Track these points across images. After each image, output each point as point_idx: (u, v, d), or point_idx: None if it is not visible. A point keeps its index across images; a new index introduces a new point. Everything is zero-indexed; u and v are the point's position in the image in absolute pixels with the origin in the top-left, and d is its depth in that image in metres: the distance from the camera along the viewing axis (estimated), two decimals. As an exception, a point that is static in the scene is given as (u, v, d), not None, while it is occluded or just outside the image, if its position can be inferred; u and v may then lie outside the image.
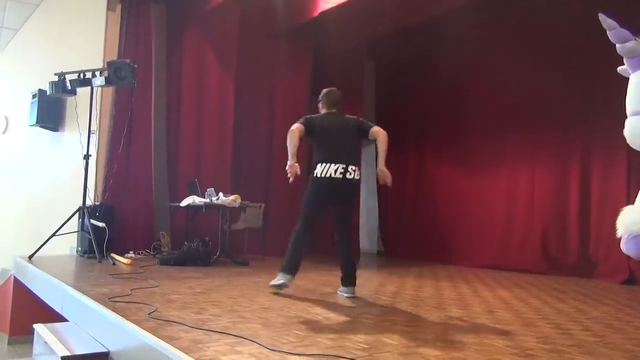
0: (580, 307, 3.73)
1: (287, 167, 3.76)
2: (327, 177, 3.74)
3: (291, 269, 3.76)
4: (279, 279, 3.73)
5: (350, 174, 3.77)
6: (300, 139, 3.81)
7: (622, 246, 1.95)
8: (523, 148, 6.56)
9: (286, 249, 3.85)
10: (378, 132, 3.90)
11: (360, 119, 4.08)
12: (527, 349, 2.36)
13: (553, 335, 2.70)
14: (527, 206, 6.47)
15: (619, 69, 1.92)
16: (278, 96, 7.56)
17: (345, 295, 3.82)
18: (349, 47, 7.59)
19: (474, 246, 6.91)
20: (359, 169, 3.91)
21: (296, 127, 3.78)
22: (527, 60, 6.49)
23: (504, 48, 6.78)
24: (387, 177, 3.89)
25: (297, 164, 3.75)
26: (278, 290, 3.74)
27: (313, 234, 4.03)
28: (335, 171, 3.74)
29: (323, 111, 4.04)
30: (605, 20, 1.75)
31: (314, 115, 4.01)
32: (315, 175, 3.80)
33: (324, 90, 4.09)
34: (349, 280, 3.87)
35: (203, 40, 6.81)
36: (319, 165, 3.79)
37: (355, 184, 3.89)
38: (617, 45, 1.82)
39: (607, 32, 1.80)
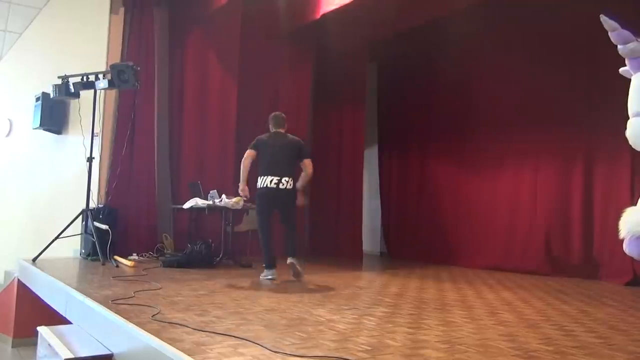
0: (584, 308, 3.72)
1: (239, 190, 4.76)
2: (265, 187, 4.58)
3: (272, 264, 4.65)
4: (269, 274, 4.60)
5: (283, 184, 4.57)
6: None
7: (625, 247, 1.94)
8: (526, 149, 6.54)
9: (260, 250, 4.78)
10: (306, 166, 4.79)
11: (303, 144, 4.92)
12: (530, 350, 2.35)
13: (556, 336, 2.69)
14: (530, 207, 6.45)
15: (620, 70, 1.92)
16: (281, 98, 7.56)
17: (290, 260, 4.60)
18: (351, 48, 7.59)
19: (477, 247, 6.90)
20: (293, 180, 4.67)
21: (248, 153, 4.70)
22: (529, 61, 6.48)
23: (506, 48, 6.76)
24: (299, 200, 4.78)
25: (247, 188, 4.72)
26: (271, 281, 4.51)
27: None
28: (271, 182, 4.56)
29: (272, 130, 4.88)
30: (607, 22, 1.75)
31: (262, 136, 4.84)
32: (257, 186, 4.66)
33: (271, 115, 5.00)
34: (292, 250, 4.68)
35: (205, 42, 6.83)
36: (259, 177, 4.64)
37: (288, 192, 4.63)
38: (618, 47, 1.82)
39: (609, 33, 1.80)
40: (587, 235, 5.89)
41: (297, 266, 4.60)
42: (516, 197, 6.62)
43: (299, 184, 4.73)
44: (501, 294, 4.37)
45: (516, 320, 3.10)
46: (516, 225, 6.57)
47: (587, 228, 5.89)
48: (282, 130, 4.89)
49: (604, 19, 1.73)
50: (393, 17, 6.53)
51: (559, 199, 6.17)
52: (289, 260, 4.61)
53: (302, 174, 4.77)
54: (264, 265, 4.69)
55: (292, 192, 4.67)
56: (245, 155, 4.70)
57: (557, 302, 3.96)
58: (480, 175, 7.09)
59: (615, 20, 1.78)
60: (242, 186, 4.70)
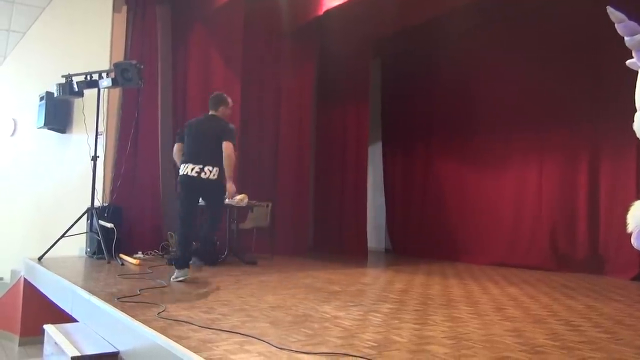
0: (590, 303, 3.71)
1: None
2: (184, 175, 4.21)
3: (186, 263, 4.16)
4: (179, 275, 4.08)
5: (205, 173, 4.17)
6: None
7: (633, 241, 1.92)
8: (531, 144, 6.52)
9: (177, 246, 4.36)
10: (225, 148, 4.25)
11: (227, 128, 4.39)
12: (536, 345, 2.34)
13: (563, 332, 2.68)
14: (535, 202, 6.43)
15: (628, 62, 1.90)
16: (283, 95, 7.56)
17: (193, 263, 4.25)
18: (354, 45, 7.57)
19: (483, 243, 6.88)
20: (217, 169, 4.21)
21: (175, 147, 4.54)
22: (534, 57, 6.45)
23: (510, 45, 6.73)
24: (230, 193, 4.34)
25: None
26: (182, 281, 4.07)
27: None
28: (192, 170, 4.18)
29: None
30: (614, 13, 1.73)
31: (186, 123, 4.60)
32: (178, 174, 4.32)
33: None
34: (200, 254, 4.37)
35: (208, 40, 6.82)
36: (181, 165, 4.30)
37: (210, 182, 4.20)
38: (625, 38, 1.80)
39: (616, 25, 1.78)
40: (592, 230, 5.87)
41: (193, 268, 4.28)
42: (521, 192, 6.60)
43: (225, 171, 4.27)
44: (507, 289, 4.36)
45: (522, 316, 3.10)
46: (521, 221, 6.55)
47: (593, 223, 5.87)
48: (214, 113, 4.52)
49: (610, 10, 1.72)
50: (396, 14, 6.51)
51: (564, 194, 6.15)
52: (197, 264, 4.33)
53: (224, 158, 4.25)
54: (176, 266, 4.15)
55: (215, 183, 4.23)
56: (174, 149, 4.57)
57: (563, 298, 3.95)
58: (485, 170, 7.07)
59: (622, 12, 1.76)
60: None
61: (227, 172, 4.26)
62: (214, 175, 4.18)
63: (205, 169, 4.16)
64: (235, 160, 4.49)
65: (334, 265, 5.88)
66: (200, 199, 4.47)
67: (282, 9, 6.56)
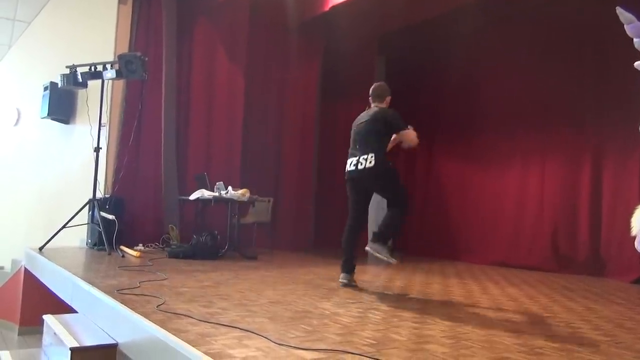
0: (590, 305, 3.70)
1: None
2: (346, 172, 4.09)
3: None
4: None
5: (361, 164, 3.92)
6: None
7: (636, 244, 1.91)
8: (534, 145, 6.50)
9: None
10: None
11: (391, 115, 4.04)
12: (536, 347, 2.34)
13: (562, 333, 2.67)
14: (537, 203, 6.42)
15: (636, 64, 1.88)
16: (288, 90, 7.55)
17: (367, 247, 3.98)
18: (360, 41, 7.55)
19: (484, 243, 6.87)
20: (372, 155, 3.92)
21: None
22: (538, 56, 6.43)
23: (515, 44, 6.71)
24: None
25: None
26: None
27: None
28: (350, 164, 4.04)
29: None
30: (623, 14, 1.72)
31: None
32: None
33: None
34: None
35: (213, 33, 6.81)
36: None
37: (370, 170, 3.91)
38: (634, 40, 1.78)
39: (625, 26, 1.76)
40: (594, 232, 5.85)
41: None
42: (523, 193, 6.59)
43: None
44: (507, 289, 4.35)
45: (522, 317, 3.09)
46: (523, 221, 6.54)
47: (595, 225, 5.86)
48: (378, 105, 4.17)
49: (620, 11, 1.70)
50: (402, 11, 6.49)
51: (566, 195, 6.14)
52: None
53: None
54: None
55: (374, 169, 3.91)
56: None
57: (563, 299, 3.94)
58: (487, 170, 7.06)
59: (632, 13, 1.75)
60: None
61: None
62: (370, 163, 3.88)
63: (361, 159, 3.92)
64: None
65: (335, 262, 5.86)
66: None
67: (288, 4, 6.54)
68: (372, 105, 4.17)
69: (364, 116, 4.12)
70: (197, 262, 5.00)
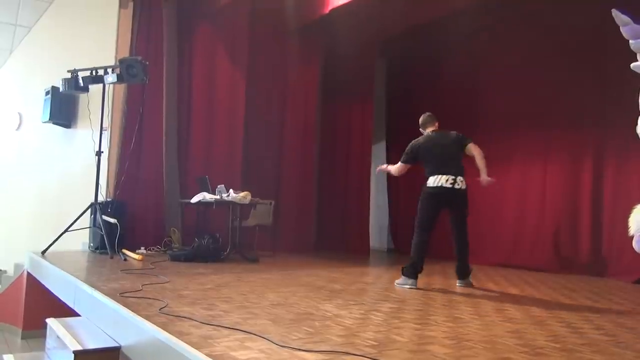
0: (592, 305, 3.70)
1: None
2: (438, 187, 4.41)
3: (416, 273, 4.41)
4: (403, 283, 4.30)
5: (458, 184, 4.43)
6: None
7: (635, 245, 1.92)
8: (535, 146, 6.50)
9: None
10: (474, 148, 4.66)
11: (459, 135, 4.66)
12: (537, 347, 2.34)
13: (564, 334, 2.68)
14: (538, 204, 6.42)
15: (632, 65, 1.89)
16: (289, 93, 7.57)
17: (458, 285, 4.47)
18: (360, 44, 7.57)
19: (485, 244, 6.86)
20: (463, 179, 4.45)
21: (400, 166, 4.78)
22: (539, 57, 6.43)
23: (515, 45, 6.72)
24: (487, 180, 4.53)
25: None
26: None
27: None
28: (446, 181, 4.39)
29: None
30: (619, 16, 1.72)
31: (415, 144, 4.65)
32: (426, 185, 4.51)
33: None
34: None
35: (214, 37, 6.84)
36: (431, 177, 4.46)
37: (462, 192, 4.50)
38: (630, 42, 1.79)
39: (621, 28, 1.77)
40: (596, 232, 5.86)
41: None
42: (525, 193, 6.59)
43: None
44: (508, 290, 4.36)
45: (523, 317, 3.09)
46: (524, 222, 6.54)
47: (596, 225, 5.86)
48: (436, 129, 4.83)
49: (615, 13, 1.71)
50: (402, 14, 6.51)
51: (567, 196, 6.14)
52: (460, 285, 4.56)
53: None
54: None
55: (465, 192, 4.57)
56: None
57: (564, 299, 3.94)
58: (488, 171, 7.04)
59: (627, 15, 1.76)
60: None
61: (483, 164, 4.51)
62: (465, 185, 4.43)
63: (458, 179, 4.37)
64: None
65: (336, 264, 5.88)
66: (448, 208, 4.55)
67: (288, 7, 6.56)
68: (431, 128, 4.68)
69: (443, 137, 4.56)
70: (199, 265, 5.02)
